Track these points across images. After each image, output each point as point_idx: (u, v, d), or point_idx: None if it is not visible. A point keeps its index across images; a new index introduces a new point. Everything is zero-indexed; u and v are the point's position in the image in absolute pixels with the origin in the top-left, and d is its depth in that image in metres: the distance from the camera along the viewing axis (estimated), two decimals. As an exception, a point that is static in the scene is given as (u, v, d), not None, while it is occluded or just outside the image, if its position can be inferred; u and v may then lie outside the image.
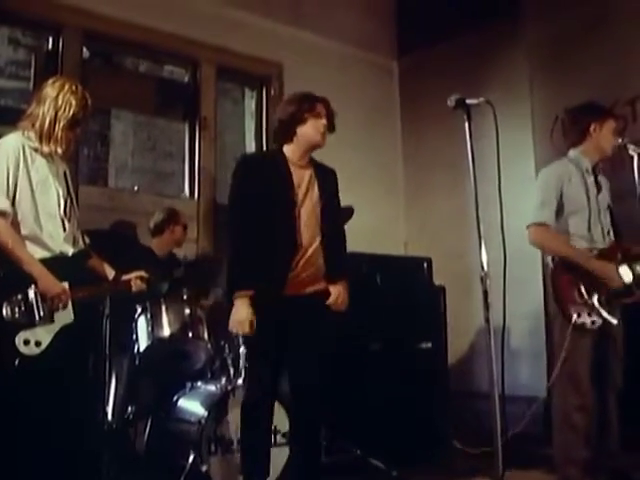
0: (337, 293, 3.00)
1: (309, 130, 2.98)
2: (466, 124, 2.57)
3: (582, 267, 3.34)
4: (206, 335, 3.78)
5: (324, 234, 2.99)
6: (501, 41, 5.52)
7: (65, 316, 2.82)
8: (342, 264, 3.08)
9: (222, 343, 3.80)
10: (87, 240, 3.04)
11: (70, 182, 3.02)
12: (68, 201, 2.92)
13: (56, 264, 2.81)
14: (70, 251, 2.89)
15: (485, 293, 2.54)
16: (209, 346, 3.80)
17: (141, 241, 4.45)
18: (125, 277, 3.14)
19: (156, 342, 3.69)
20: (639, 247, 3.45)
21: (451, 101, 2.59)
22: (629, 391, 3.40)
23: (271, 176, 2.95)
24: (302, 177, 3.00)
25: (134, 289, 3.15)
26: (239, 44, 5.40)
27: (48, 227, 2.84)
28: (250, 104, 5.75)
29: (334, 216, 3.08)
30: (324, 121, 2.99)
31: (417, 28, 6.12)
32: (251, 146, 5.68)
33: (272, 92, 5.65)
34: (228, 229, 3.00)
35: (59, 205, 2.88)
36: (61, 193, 2.91)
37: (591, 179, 3.57)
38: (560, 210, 3.48)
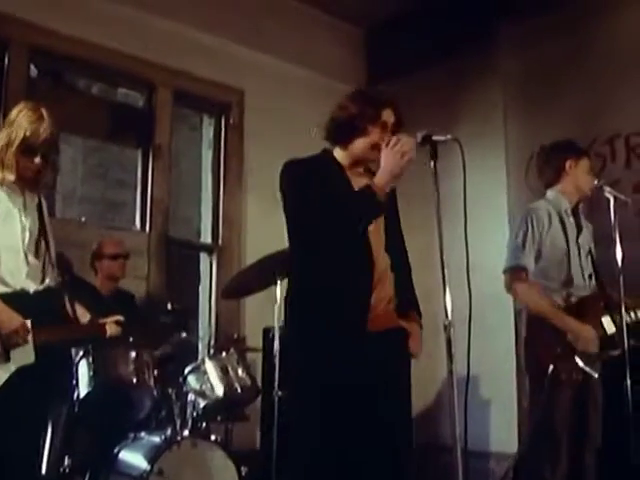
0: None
1: (364, 146, 2.63)
2: (431, 162, 2.51)
3: (559, 324, 3.30)
4: (152, 381, 3.65)
5: (392, 259, 2.72)
6: (475, 73, 5.54)
7: (23, 356, 2.71)
8: (414, 296, 2.82)
9: (170, 391, 3.69)
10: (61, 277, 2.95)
11: (45, 214, 2.95)
12: (36, 235, 2.86)
13: (15, 300, 2.73)
14: (33, 288, 2.81)
15: (448, 342, 2.46)
16: (155, 393, 3.67)
17: (87, 277, 4.34)
18: (101, 321, 3.07)
19: (98, 388, 3.56)
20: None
21: (417, 137, 2.52)
22: (608, 450, 3.35)
23: (330, 184, 2.62)
24: (360, 185, 2.65)
25: (109, 334, 3.05)
26: (198, 67, 5.37)
27: (8, 262, 2.78)
28: (208, 132, 5.71)
29: (399, 239, 2.80)
30: (387, 134, 2.61)
31: (387, 57, 6.15)
32: (207, 177, 5.63)
33: (232, 120, 5.62)
34: (298, 248, 2.66)
35: (23, 239, 2.81)
36: (28, 226, 2.84)
37: (571, 220, 3.56)
38: (538, 253, 3.44)
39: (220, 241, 5.45)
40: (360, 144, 2.63)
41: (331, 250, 2.54)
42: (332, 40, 6.19)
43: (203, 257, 5.46)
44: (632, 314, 3.43)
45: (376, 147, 2.59)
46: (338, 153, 2.71)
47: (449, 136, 2.50)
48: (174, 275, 5.07)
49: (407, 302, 2.73)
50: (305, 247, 2.60)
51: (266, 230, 5.19)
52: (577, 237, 3.54)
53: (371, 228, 2.61)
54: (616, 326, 3.35)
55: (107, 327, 3.07)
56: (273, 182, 5.85)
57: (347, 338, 2.51)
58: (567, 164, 3.56)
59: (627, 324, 3.25)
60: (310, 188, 2.56)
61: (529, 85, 5.25)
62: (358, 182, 2.66)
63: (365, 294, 2.57)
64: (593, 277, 3.53)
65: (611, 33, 4.87)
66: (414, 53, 5.84)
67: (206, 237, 5.52)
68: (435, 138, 2.49)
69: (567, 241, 3.48)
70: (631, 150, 4.70)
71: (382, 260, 2.65)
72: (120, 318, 3.10)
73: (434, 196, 2.49)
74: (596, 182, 3.50)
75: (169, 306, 4.02)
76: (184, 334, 3.92)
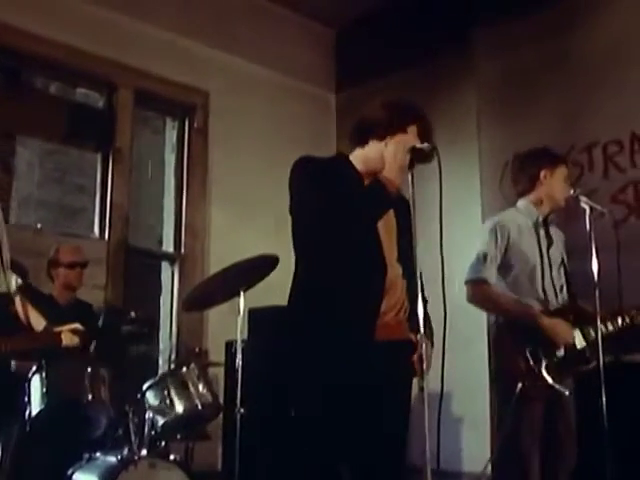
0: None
1: (374, 153, 2.61)
2: (408, 171, 2.50)
3: (529, 324, 3.29)
4: (108, 398, 3.59)
5: (403, 268, 2.66)
6: (448, 77, 5.57)
7: None
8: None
9: (127, 407, 3.64)
10: (18, 282, 2.90)
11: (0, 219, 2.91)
12: None
13: None
14: None
15: (420, 357, 2.45)
16: (111, 410, 3.61)
17: (44, 286, 4.29)
18: (57, 329, 3.00)
19: (51, 405, 3.48)
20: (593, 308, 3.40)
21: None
22: (583, 471, 3.33)
23: (343, 183, 2.59)
24: None
25: (64, 343, 2.98)
26: (161, 67, 5.36)
27: None
28: (171, 135, 5.69)
29: (410, 255, 2.72)
30: (408, 158, 2.54)
31: (358, 59, 6.16)
32: (170, 182, 5.61)
33: (196, 123, 5.60)
34: (306, 247, 2.62)
35: None
36: None
37: (542, 232, 3.56)
38: (507, 266, 3.44)
39: (183, 250, 5.42)
40: (371, 148, 2.63)
41: (341, 251, 2.52)
42: (301, 41, 6.22)
43: (165, 266, 5.43)
44: (604, 327, 3.40)
45: (385, 162, 2.54)
46: (354, 157, 2.69)
47: (426, 144, 2.49)
48: (134, 285, 5.01)
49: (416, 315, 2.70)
50: (314, 246, 2.57)
51: (231, 239, 5.27)
52: (548, 248, 3.53)
53: (383, 234, 2.60)
54: (587, 340, 3.35)
55: (63, 336, 3.01)
56: (239, 188, 5.91)
57: (352, 344, 2.47)
58: (542, 173, 3.56)
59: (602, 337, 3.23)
60: (323, 186, 2.53)
61: (505, 90, 5.28)
62: None
63: (375, 298, 2.54)
64: (565, 289, 3.53)
65: (589, 38, 4.91)
66: (385, 55, 5.86)
67: (168, 246, 5.50)
68: (417, 146, 2.49)
69: (539, 253, 3.48)
70: (609, 159, 4.73)
71: (394, 267, 2.62)
72: (77, 326, 3.04)
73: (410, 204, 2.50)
74: (572, 192, 3.50)
75: (132, 314, 4.00)
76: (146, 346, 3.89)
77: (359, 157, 2.68)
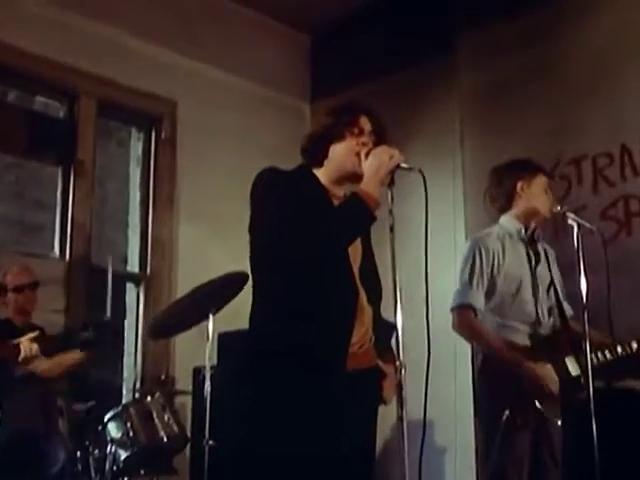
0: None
1: (340, 152, 2.64)
2: (388, 190, 2.51)
3: (514, 367, 3.27)
4: (66, 430, 3.56)
5: (367, 292, 2.67)
6: (429, 86, 5.57)
7: None
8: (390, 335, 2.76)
9: (87, 441, 3.60)
10: None
11: None
12: None
13: None
14: None
15: (399, 385, 2.43)
16: (69, 444, 3.58)
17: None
18: (15, 341, 2.98)
19: (4, 440, 3.49)
20: (577, 328, 3.38)
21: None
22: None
23: (310, 198, 2.60)
24: None
25: (23, 354, 2.91)
26: (126, 75, 5.33)
27: None
28: (136, 147, 5.66)
29: (374, 269, 2.76)
30: (364, 139, 2.64)
31: (334, 67, 6.18)
32: (136, 197, 5.58)
33: (163, 134, 5.58)
34: (269, 268, 2.57)
35: None
36: None
37: (528, 248, 3.54)
38: (492, 288, 3.43)
39: (149, 270, 5.39)
40: (336, 151, 2.65)
41: (310, 273, 2.50)
42: (275, 47, 6.22)
43: (130, 288, 5.38)
44: (600, 354, 3.43)
45: (353, 153, 2.60)
46: (317, 172, 2.70)
47: (412, 166, 2.49)
48: (96, 308, 4.89)
49: (384, 340, 2.70)
50: (278, 267, 2.52)
51: (201, 257, 5.25)
52: (535, 266, 3.51)
53: (351, 255, 2.59)
54: (582, 367, 3.32)
55: (21, 347, 2.95)
56: (209, 203, 5.86)
57: (320, 376, 2.47)
58: (518, 185, 3.55)
59: (593, 364, 3.20)
60: (290, 200, 2.53)
61: (488, 100, 5.29)
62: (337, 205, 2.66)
63: (346, 328, 2.53)
64: (555, 312, 3.51)
65: (577, 45, 4.93)
66: (363, 63, 5.86)
67: (133, 265, 5.46)
68: (402, 165, 2.49)
69: (524, 271, 3.47)
70: (598, 172, 4.73)
71: (362, 293, 2.62)
72: (35, 334, 2.99)
73: (388, 224, 2.49)
74: (559, 208, 3.49)
75: (87, 322, 4.00)
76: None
77: (322, 172, 2.69)
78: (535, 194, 3.55)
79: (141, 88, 5.43)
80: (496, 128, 5.19)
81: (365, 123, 2.68)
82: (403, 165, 2.50)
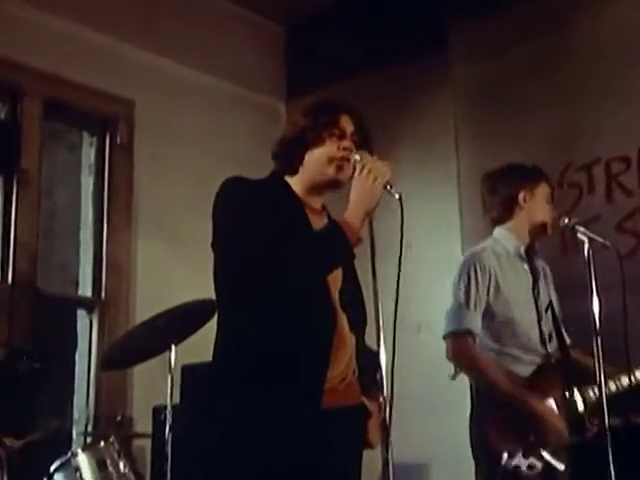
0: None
1: (319, 159, 2.63)
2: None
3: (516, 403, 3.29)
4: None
5: (349, 321, 2.68)
6: (420, 85, 5.58)
7: None
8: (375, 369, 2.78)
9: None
10: None
11: None
12: None
13: None
14: None
15: (384, 424, 2.40)
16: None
17: None
18: None
19: None
20: (588, 357, 3.37)
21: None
22: None
23: (283, 214, 2.58)
24: (319, 225, 2.65)
25: None
26: (76, 72, 5.28)
27: None
28: (89, 153, 5.62)
29: (358, 293, 2.77)
30: (346, 143, 2.63)
31: (313, 62, 6.19)
32: (88, 210, 5.54)
33: (119, 139, 5.54)
34: (235, 294, 2.57)
35: None
36: None
37: (525, 266, 3.58)
38: (489, 310, 3.46)
39: (103, 294, 5.33)
40: (314, 157, 2.64)
41: (281, 300, 2.49)
42: (245, 40, 6.22)
43: (81, 314, 5.33)
44: (612, 384, 3.42)
45: (333, 160, 2.60)
46: (291, 181, 2.70)
47: (393, 191, 2.48)
48: (43, 338, 4.89)
49: (368, 374, 2.68)
50: (245, 294, 2.52)
51: (163, 279, 5.23)
52: (533, 287, 3.55)
53: (330, 277, 2.58)
54: (586, 403, 3.36)
55: None
56: (172, 217, 5.83)
57: (294, 416, 2.46)
58: (520, 196, 3.57)
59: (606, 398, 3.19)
60: (257, 215, 2.50)
61: (486, 99, 5.29)
62: (316, 222, 2.64)
63: (323, 360, 2.52)
64: (554, 336, 3.54)
65: (588, 35, 4.93)
66: (345, 57, 5.87)
67: (85, 289, 5.40)
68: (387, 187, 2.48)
69: (520, 292, 3.50)
70: (613, 179, 4.73)
71: (342, 321, 2.61)
72: None
73: (368, 244, 2.50)
74: (567, 220, 3.48)
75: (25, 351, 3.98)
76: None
77: (296, 181, 2.69)
78: (537, 206, 3.59)
79: (94, 86, 5.38)
80: (495, 130, 5.19)
81: (347, 123, 2.68)
82: (387, 187, 2.49)
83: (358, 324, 2.71)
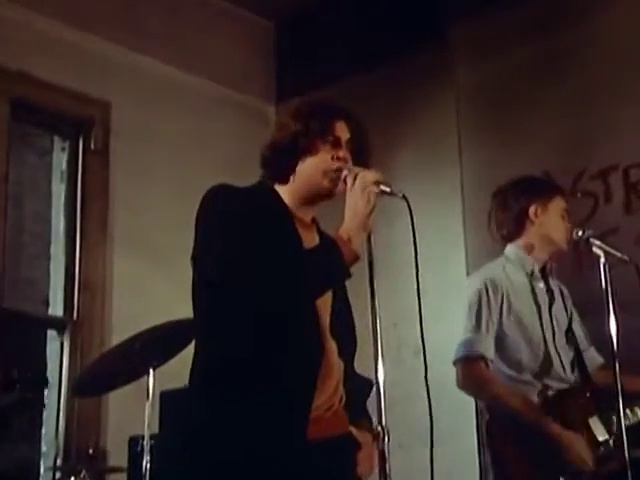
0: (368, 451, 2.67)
1: (312, 169, 2.64)
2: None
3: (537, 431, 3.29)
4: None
5: (339, 345, 2.67)
6: (420, 86, 5.58)
7: None
8: (365, 395, 2.77)
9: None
10: None
11: None
12: None
13: None
14: None
15: (382, 456, 2.40)
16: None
17: None
18: None
19: None
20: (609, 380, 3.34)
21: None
22: None
23: (271, 228, 2.56)
24: (309, 244, 2.64)
25: None
26: (47, 70, 5.29)
27: None
28: (60, 159, 5.62)
29: (348, 316, 2.79)
30: (341, 153, 2.64)
31: (305, 61, 6.21)
32: (59, 222, 5.53)
33: (93, 143, 5.53)
34: (215, 314, 2.55)
35: None
36: None
37: (540, 286, 3.59)
38: (502, 333, 3.46)
39: (76, 313, 5.31)
40: (307, 167, 2.64)
41: (265, 323, 2.47)
42: (232, 37, 6.23)
43: (52, 336, 5.32)
44: (631, 413, 3.42)
45: (328, 172, 2.60)
46: (281, 190, 2.70)
47: (394, 190, 2.48)
48: (10, 362, 4.83)
49: (357, 402, 2.71)
50: (225, 315, 2.50)
51: (141, 298, 5.23)
52: (549, 308, 3.55)
53: (320, 298, 2.57)
54: (609, 431, 3.34)
55: None
56: (151, 230, 5.81)
57: (278, 448, 2.45)
58: (531, 210, 3.58)
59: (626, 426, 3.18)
60: (244, 230, 2.49)
61: (492, 102, 5.31)
62: (306, 237, 2.63)
63: (309, 388, 2.51)
64: (575, 363, 3.54)
65: (603, 33, 4.93)
66: (339, 56, 5.87)
67: (57, 308, 5.39)
68: (382, 189, 2.48)
69: (538, 316, 3.51)
70: (631, 188, 4.74)
71: (331, 345, 2.62)
72: None
73: (366, 258, 2.50)
74: (581, 233, 3.46)
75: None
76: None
77: (286, 191, 2.68)
78: (551, 221, 3.59)
79: (66, 85, 5.38)
80: (501, 135, 5.21)
81: (342, 130, 2.68)
82: (384, 188, 2.50)
83: (347, 349, 2.70)
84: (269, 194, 2.68)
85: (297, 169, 2.65)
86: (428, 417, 2.47)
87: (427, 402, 2.41)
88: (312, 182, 2.64)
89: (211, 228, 2.54)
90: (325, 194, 2.65)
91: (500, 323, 3.46)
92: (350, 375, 2.70)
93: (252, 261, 2.42)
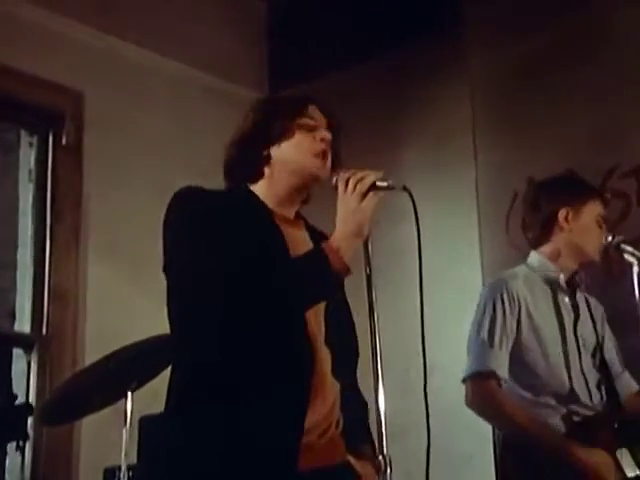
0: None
1: (291, 151, 2.66)
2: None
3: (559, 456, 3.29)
4: None
5: (334, 358, 2.68)
6: (430, 75, 5.59)
7: None
8: (366, 419, 2.80)
9: None
10: None
11: None
12: None
13: None
14: None
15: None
16: None
17: None
18: None
19: None
20: None
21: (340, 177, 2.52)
22: None
23: (251, 233, 2.58)
24: (297, 242, 2.65)
25: None
26: (12, 57, 5.25)
27: None
28: (28, 156, 5.60)
29: (347, 326, 2.82)
30: (323, 134, 2.66)
31: (301, 47, 6.23)
32: (27, 226, 5.51)
33: (65, 139, 5.50)
34: (190, 330, 2.56)
35: None
36: None
37: (566, 300, 3.58)
38: (519, 350, 3.46)
39: (45, 328, 5.27)
40: (284, 151, 2.66)
41: (245, 338, 2.48)
42: (219, 19, 6.26)
43: (17, 354, 5.30)
44: None
45: (311, 151, 2.62)
46: (255, 188, 2.71)
47: (391, 183, 2.48)
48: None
49: (356, 426, 2.73)
50: (201, 330, 2.51)
51: (118, 311, 5.25)
52: (575, 325, 3.53)
53: (309, 311, 2.59)
54: (639, 464, 3.34)
55: None
56: (128, 235, 5.79)
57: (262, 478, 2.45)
58: (561, 213, 3.57)
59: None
60: (218, 236, 2.50)
61: (510, 92, 5.30)
62: (293, 236, 2.64)
63: (298, 411, 2.51)
64: (602, 387, 3.54)
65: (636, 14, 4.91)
66: (339, 42, 5.87)
67: (23, 322, 5.36)
68: (378, 184, 2.47)
69: (562, 332, 3.50)
70: (669, 187, 4.75)
71: (324, 359, 2.62)
72: None
73: (365, 265, 2.51)
74: (610, 238, 3.51)
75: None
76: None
77: (263, 188, 2.70)
78: (584, 227, 3.59)
79: (33, 73, 5.35)
80: (521, 129, 5.20)
81: (316, 113, 2.71)
82: (380, 184, 2.49)
83: (345, 364, 2.71)
84: (245, 195, 2.70)
85: (272, 159, 2.66)
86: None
87: (426, 426, 2.40)
88: (294, 169, 2.66)
89: (178, 236, 2.58)
90: (312, 178, 2.66)
91: (516, 339, 3.46)
92: (349, 392, 2.72)
93: (225, 272, 2.43)
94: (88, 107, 5.52)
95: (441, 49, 5.53)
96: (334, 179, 2.53)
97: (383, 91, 5.69)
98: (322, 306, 2.64)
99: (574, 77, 5.02)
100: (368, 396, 2.59)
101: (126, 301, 5.28)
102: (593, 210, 3.59)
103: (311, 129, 2.66)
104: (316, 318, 2.62)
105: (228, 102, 6.05)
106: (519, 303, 3.47)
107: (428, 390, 2.49)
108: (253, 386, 2.48)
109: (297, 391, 2.51)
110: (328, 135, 2.66)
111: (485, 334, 3.43)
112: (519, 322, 3.46)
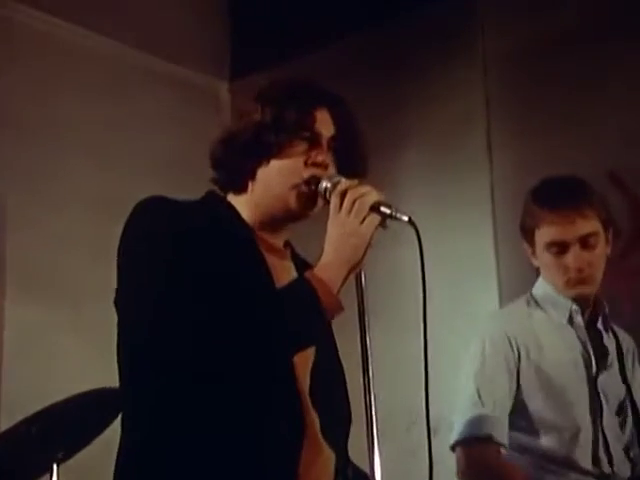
0: None
1: (274, 174, 2.63)
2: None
3: None
4: None
5: (322, 424, 2.64)
6: (434, 57, 5.62)
7: None
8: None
9: None
10: None
11: None
12: None
13: None
14: None
15: None
16: None
17: None
18: None
19: None
20: None
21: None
22: None
23: (227, 259, 2.53)
24: (282, 274, 2.63)
25: None
26: None
27: None
28: None
29: (337, 376, 2.77)
30: (319, 157, 2.60)
31: (267, 27, 6.36)
32: None
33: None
34: (149, 383, 2.50)
35: None
36: None
37: (586, 337, 3.52)
38: (522, 408, 3.43)
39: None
40: (269, 174, 2.63)
41: (217, 391, 2.42)
42: (176, 8, 6.29)
43: None
44: None
45: (298, 186, 2.59)
46: (238, 202, 2.70)
47: (395, 212, 2.45)
48: None
49: None
50: (160, 381, 2.45)
51: (41, 361, 5.11)
52: (597, 369, 3.46)
53: (297, 359, 2.55)
54: None
55: None
56: (60, 265, 5.68)
57: None
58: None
59: None
60: (186, 260, 2.44)
61: (528, 78, 5.34)
62: (277, 266, 2.62)
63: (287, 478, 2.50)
64: (631, 451, 3.48)
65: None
66: (317, 18, 5.94)
67: None
68: (383, 210, 2.44)
69: (576, 379, 3.45)
70: None
71: (314, 415, 2.60)
72: None
73: (357, 300, 2.52)
74: None
75: None
76: None
77: (244, 203, 2.68)
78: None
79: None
80: (543, 124, 5.23)
81: (324, 123, 2.67)
82: (384, 210, 2.46)
83: (337, 427, 2.69)
84: (222, 209, 2.69)
85: (258, 175, 2.64)
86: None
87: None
88: (275, 196, 2.63)
89: (138, 260, 2.50)
90: (294, 216, 2.65)
91: (517, 395, 3.44)
92: (344, 465, 2.69)
93: (196, 309, 2.37)
94: (11, 97, 5.43)
95: (445, 27, 5.61)
96: (323, 184, 2.50)
97: (369, 77, 5.75)
98: (309, 358, 2.60)
99: (608, 63, 5.09)
100: (362, 462, 2.56)
101: (52, 347, 5.19)
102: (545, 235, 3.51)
103: (311, 145, 2.62)
104: (305, 372, 2.60)
105: (182, 89, 6.34)
106: (517, 352, 3.45)
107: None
108: (226, 456, 2.43)
109: (284, 461, 2.50)
110: (321, 157, 2.60)
111: (474, 394, 3.41)
112: (518, 375, 3.44)
